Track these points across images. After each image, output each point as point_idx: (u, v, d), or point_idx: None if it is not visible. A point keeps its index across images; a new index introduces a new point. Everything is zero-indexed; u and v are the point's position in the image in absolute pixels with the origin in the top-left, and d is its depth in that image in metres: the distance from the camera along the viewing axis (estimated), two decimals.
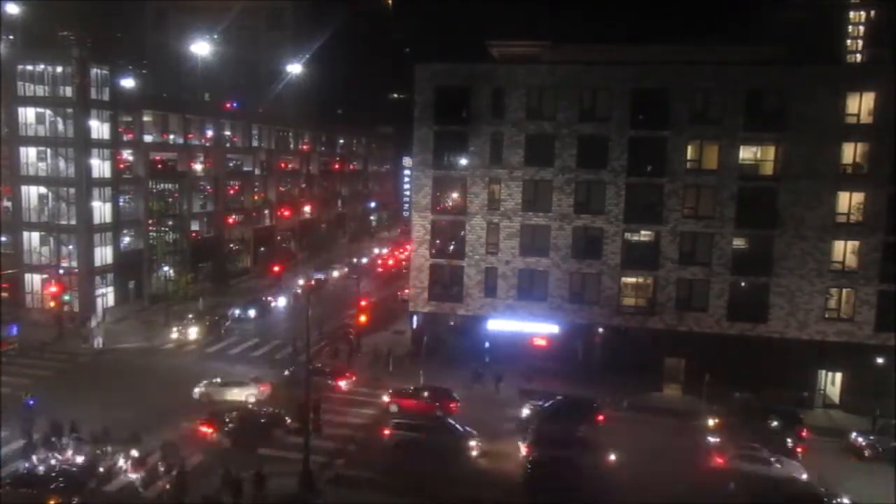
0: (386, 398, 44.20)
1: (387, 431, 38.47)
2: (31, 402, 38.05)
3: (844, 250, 47.49)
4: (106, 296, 61.82)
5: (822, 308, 47.72)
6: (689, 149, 48.72)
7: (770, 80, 47.44)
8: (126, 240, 64.92)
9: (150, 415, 40.18)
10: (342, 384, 46.69)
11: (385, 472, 35.23)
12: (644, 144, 48.57)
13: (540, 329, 51.31)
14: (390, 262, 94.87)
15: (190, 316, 60.13)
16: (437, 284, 53.01)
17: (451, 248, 53.47)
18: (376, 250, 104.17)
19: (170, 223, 70.39)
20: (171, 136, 71.85)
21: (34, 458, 34.13)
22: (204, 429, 37.98)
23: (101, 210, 61.12)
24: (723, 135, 47.88)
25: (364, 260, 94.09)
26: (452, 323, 53.31)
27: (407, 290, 58.91)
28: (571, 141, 49.68)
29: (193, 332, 57.14)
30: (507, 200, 51.00)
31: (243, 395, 44.04)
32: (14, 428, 37.21)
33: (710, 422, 42.62)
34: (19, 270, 60.97)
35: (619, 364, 48.08)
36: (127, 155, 65.76)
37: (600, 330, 50.31)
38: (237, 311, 63.99)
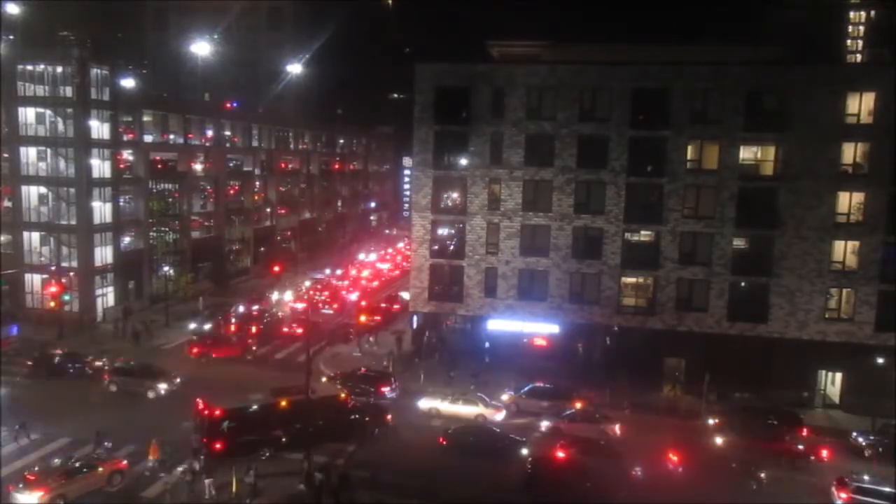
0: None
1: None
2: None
3: (844, 250, 47.48)
4: (106, 296, 61.81)
5: (822, 308, 47.72)
6: (689, 149, 48.72)
7: (770, 80, 47.45)
8: (126, 240, 64.91)
9: (149, 414, 40.21)
10: None
11: (385, 471, 35.25)
12: (644, 144, 48.56)
13: (540, 329, 51.30)
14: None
15: (195, 317, 60.21)
16: (437, 284, 53.01)
17: (451, 248, 53.48)
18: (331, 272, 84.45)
19: (170, 223, 70.37)
20: (171, 136, 71.84)
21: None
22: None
23: (101, 210, 61.09)
24: (723, 135, 47.88)
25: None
26: (452, 323, 53.31)
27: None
28: (571, 141, 49.68)
29: (194, 333, 57.12)
30: (507, 200, 51.00)
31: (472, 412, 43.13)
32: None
33: (711, 422, 42.69)
34: (19, 270, 60.95)
35: (620, 364, 48.04)
36: (127, 155, 65.75)
37: (600, 330, 50.30)
38: (240, 311, 63.91)
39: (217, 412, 36.11)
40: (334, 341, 56.65)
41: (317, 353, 52.13)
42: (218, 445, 34.78)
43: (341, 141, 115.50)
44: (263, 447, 35.75)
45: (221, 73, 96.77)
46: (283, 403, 36.78)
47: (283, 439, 36.30)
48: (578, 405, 43.67)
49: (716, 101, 47.96)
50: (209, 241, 76.71)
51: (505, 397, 45.08)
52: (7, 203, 62.46)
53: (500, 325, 51.77)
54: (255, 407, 38.02)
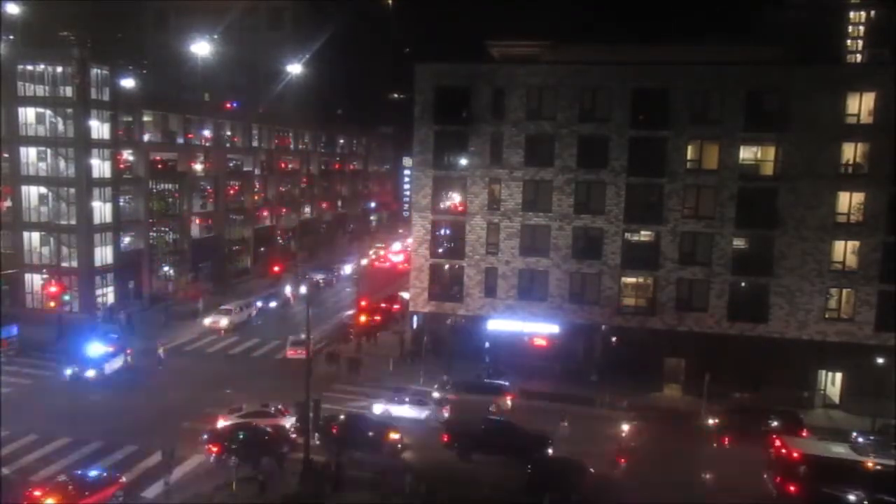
0: None
1: None
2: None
3: (844, 250, 47.53)
4: (106, 296, 61.83)
5: (822, 308, 47.74)
6: (689, 149, 48.76)
7: (770, 80, 47.48)
8: (126, 240, 64.93)
9: (150, 414, 40.25)
10: None
11: (385, 471, 35.25)
12: (644, 144, 48.59)
13: (540, 329, 51.32)
14: None
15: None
16: (437, 284, 53.04)
17: (452, 248, 53.48)
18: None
19: (170, 223, 70.37)
20: (171, 136, 71.82)
21: None
22: None
23: (101, 210, 61.11)
24: (723, 135, 47.91)
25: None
26: (452, 323, 53.32)
27: None
28: (571, 141, 49.70)
29: (194, 332, 57.22)
30: (507, 200, 51.02)
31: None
32: None
33: (711, 421, 42.68)
34: (19, 270, 60.96)
35: (620, 364, 48.11)
36: (127, 155, 65.77)
37: (600, 330, 50.31)
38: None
39: (795, 454, 34.29)
40: (334, 341, 56.65)
41: (317, 353, 52.12)
42: (791, 488, 33.49)
43: (341, 141, 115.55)
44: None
45: (221, 73, 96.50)
46: None
47: None
48: (508, 399, 43.87)
49: (716, 101, 48.00)
50: (209, 241, 76.72)
51: (436, 394, 44.30)
52: (7, 203, 62.46)
53: (500, 324, 51.79)
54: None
